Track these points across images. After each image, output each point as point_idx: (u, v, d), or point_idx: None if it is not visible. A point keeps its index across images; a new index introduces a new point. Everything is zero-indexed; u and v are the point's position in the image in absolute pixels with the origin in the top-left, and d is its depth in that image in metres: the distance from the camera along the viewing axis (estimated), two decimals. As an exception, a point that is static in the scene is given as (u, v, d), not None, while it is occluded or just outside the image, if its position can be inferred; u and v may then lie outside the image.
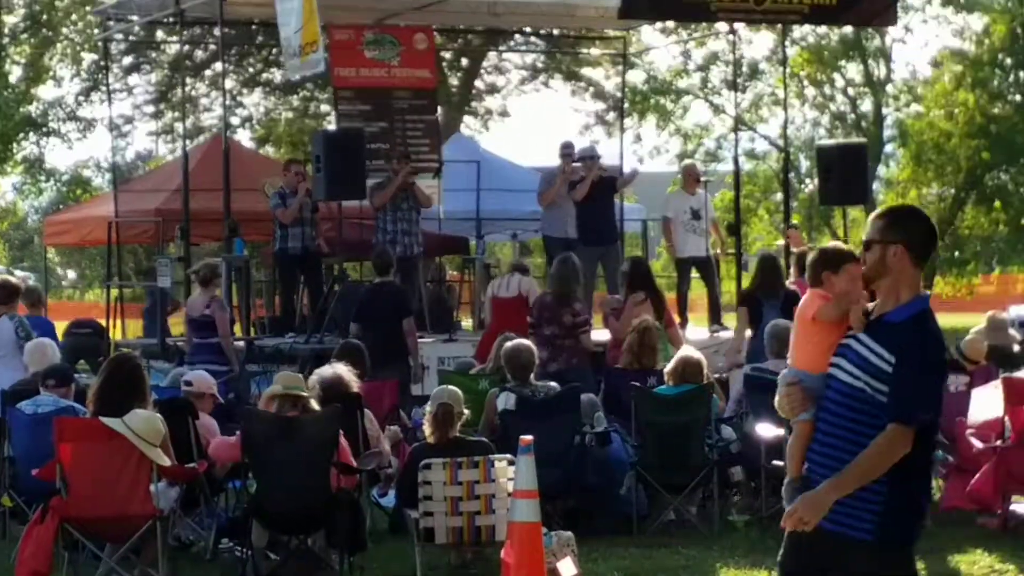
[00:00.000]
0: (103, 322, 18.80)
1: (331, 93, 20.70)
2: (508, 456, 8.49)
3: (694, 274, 16.36)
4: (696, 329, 16.19)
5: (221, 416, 10.55)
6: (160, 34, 30.37)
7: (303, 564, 8.93)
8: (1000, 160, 34.11)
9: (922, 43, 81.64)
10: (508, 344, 10.73)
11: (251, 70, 36.00)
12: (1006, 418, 9.89)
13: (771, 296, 12.63)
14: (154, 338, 16.56)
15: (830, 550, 4.81)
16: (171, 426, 8.64)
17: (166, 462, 8.36)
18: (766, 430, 9.95)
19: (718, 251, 17.33)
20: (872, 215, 4.97)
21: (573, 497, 10.05)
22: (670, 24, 32.14)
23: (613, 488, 10.16)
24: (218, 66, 29.29)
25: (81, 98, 35.42)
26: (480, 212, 17.25)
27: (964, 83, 34.23)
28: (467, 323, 19.35)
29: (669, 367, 10.53)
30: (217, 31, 18.15)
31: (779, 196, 31.12)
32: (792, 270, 14.43)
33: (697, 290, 16.92)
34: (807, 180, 36.04)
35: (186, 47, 28.67)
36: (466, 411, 9.23)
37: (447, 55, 33.28)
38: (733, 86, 30.08)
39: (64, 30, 34.66)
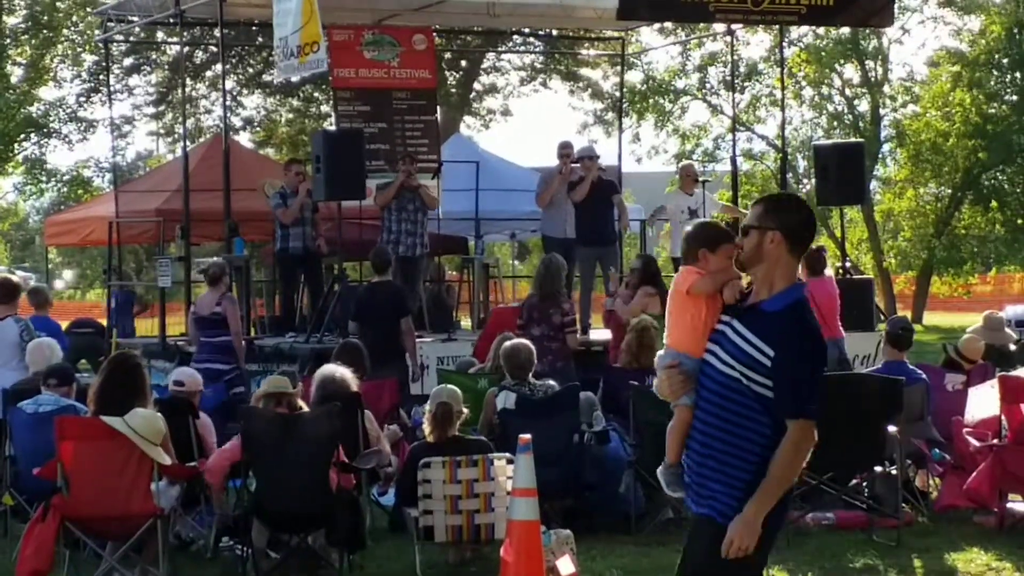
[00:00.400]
0: (103, 321, 18.84)
1: (331, 94, 20.75)
2: (507, 455, 8.53)
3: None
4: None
5: (224, 414, 10.61)
6: (160, 35, 30.40)
7: (303, 562, 8.96)
8: (997, 160, 34.18)
9: (919, 44, 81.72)
10: (507, 343, 10.76)
11: (251, 71, 36.04)
12: (1002, 417, 9.91)
13: None
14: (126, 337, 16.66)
15: (702, 532, 4.85)
16: (171, 425, 8.68)
17: (167, 461, 8.39)
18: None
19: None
20: (753, 202, 4.96)
21: (572, 496, 10.07)
22: (668, 25, 32.21)
23: (611, 487, 10.19)
24: (218, 67, 29.33)
25: (82, 99, 35.48)
26: (479, 212, 17.30)
27: (961, 83, 34.28)
28: (466, 323, 19.38)
29: (668, 366, 10.55)
30: (217, 32, 18.17)
31: (777, 196, 31.20)
32: (801, 271, 14.49)
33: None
34: (804, 180, 36.09)
35: (186, 48, 28.72)
36: (465, 410, 9.27)
37: (446, 56, 33.33)
38: (731, 87, 30.18)
39: (65, 31, 34.70)
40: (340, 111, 17.58)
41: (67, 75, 35.73)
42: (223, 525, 9.24)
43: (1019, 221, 34.51)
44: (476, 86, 37.81)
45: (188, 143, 18.96)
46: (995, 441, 9.92)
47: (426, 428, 9.18)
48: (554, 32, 29.81)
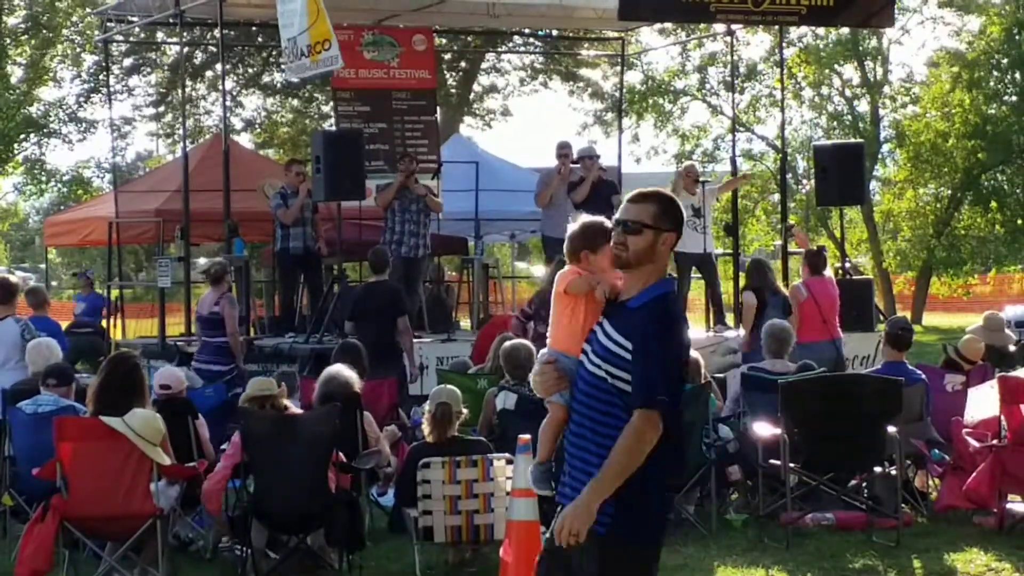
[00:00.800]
0: (103, 322, 18.85)
1: (331, 94, 20.75)
2: (506, 455, 8.52)
3: (694, 274, 16.42)
4: (694, 329, 16.21)
5: (224, 414, 10.60)
6: (160, 35, 30.40)
7: (302, 563, 8.97)
8: (996, 160, 34.17)
9: (919, 44, 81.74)
10: (507, 344, 10.76)
11: (251, 71, 36.04)
12: (1002, 417, 9.91)
13: (775, 295, 13.22)
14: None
15: (578, 544, 4.67)
16: (171, 426, 8.68)
17: (166, 461, 8.39)
18: (763, 430, 10.00)
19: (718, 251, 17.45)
20: (634, 198, 4.82)
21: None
22: (668, 25, 32.22)
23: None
24: (218, 67, 29.32)
25: (82, 99, 35.48)
26: (479, 212, 17.30)
27: (960, 84, 34.28)
28: (465, 323, 19.39)
29: (667, 367, 10.55)
30: (217, 32, 18.17)
31: (776, 197, 31.22)
32: (802, 270, 14.54)
33: (694, 290, 16.97)
34: (804, 180, 36.09)
35: (186, 48, 28.72)
36: (464, 410, 9.27)
37: (446, 56, 33.34)
38: (731, 87, 30.19)
39: (65, 31, 34.71)
40: (340, 111, 17.59)
41: (67, 75, 35.78)
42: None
43: (1019, 221, 34.50)
44: (476, 87, 37.83)
45: (188, 143, 18.96)
46: (995, 442, 9.91)
47: (425, 428, 9.18)
48: (554, 32, 29.81)
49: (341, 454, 8.88)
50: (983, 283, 39.75)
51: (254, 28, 28.40)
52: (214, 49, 30.16)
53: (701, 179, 16.34)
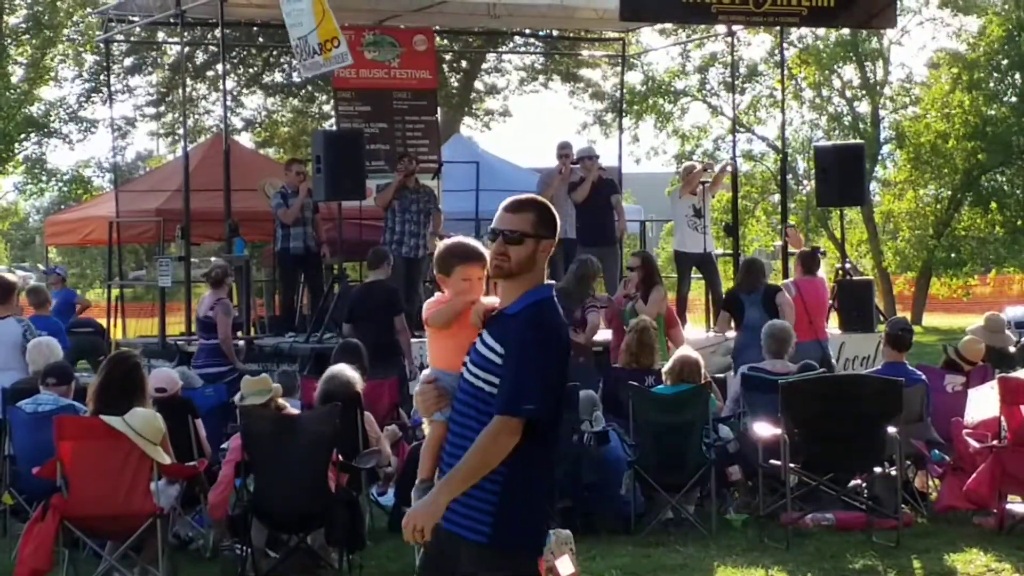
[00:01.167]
0: (103, 321, 18.84)
1: (331, 94, 20.76)
2: (507, 455, 8.51)
3: (695, 274, 16.43)
4: (694, 329, 16.24)
5: (222, 416, 10.60)
6: (161, 35, 30.40)
7: (302, 562, 8.97)
8: (996, 161, 34.18)
9: (919, 45, 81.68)
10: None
11: (252, 71, 36.04)
12: (1002, 418, 9.92)
13: (751, 292, 13.27)
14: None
15: (452, 551, 4.64)
16: (170, 425, 8.68)
17: (166, 460, 8.40)
18: (763, 430, 10.01)
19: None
20: (510, 207, 4.76)
21: (571, 496, 10.08)
22: (668, 26, 32.22)
23: (611, 487, 10.20)
24: (219, 67, 29.31)
25: (82, 99, 35.48)
26: (479, 213, 17.28)
27: (960, 85, 34.28)
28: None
29: (667, 367, 10.58)
30: (218, 32, 18.17)
31: (776, 197, 31.21)
32: (794, 270, 14.57)
33: (694, 290, 16.98)
34: (804, 181, 36.10)
35: (187, 48, 28.70)
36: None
37: (447, 56, 33.33)
38: (731, 88, 30.18)
39: (65, 31, 34.70)
40: (340, 111, 17.59)
41: (68, 75, 35.78)
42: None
43: (1018, 223, 34.50)
44: (477, 86, 37.82)
45: (188, 143, 18.95)
46: (995, 442, 9.92)
47: (426, 429, 9.16)
48: (554, 33, 29.81)
49: (339, 454, 8.88)
50: (983, 284, 39.75)
51: (255, 28, 28.37)
52: (215, 49, 30.14)
53: (702, 180, 16.35)
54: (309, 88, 34.90)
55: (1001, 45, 34.22)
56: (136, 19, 18.87)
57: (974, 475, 9.87)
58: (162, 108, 37.15)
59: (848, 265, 18.01)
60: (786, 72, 30.17)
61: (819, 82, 36.77)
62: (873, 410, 9.77)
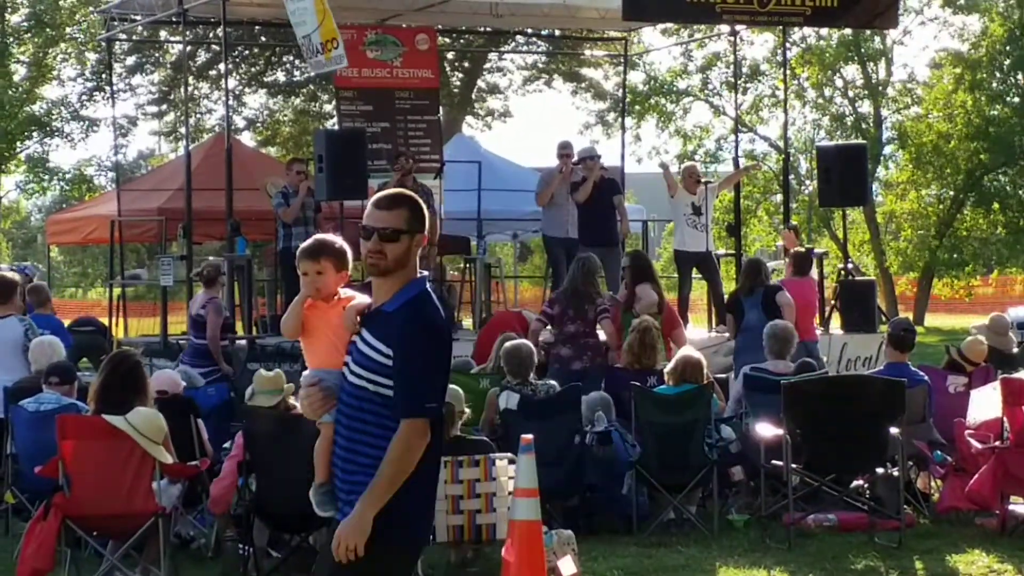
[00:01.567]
0: (105, 320, 18.85)
1: (333, 93, 20.76)
2: (509, 455, 8.53)
3: (695, 274, 16.42)
4: (695, 329, 16.23)
5: (222, 416, 10.60)
6: (163, 34, 30.43)
7: (304, 561, 8.95)
8: (999, 162, 34.17)
9: (921, 45, 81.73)
10: (508, 343, 10.76)
11: (254, 70, 36.06)
12: (1004, 419, 9.91)
13: (750, 294, 13.26)
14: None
15: None
16: (172, 425, 8.67)
17: (168, 459, 8.39)
18: (765, 430, 10.00)
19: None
20: (383, 204, 4.74)
21: (573, 496, 10.08)
22: (671, 25, 32.22)
23: (613, 487, 10.20)
24: (221, 66, 29.33)
25: (85, 98, 35.49)
26: (481, 212, 17.28)
27: (963, 85, 34.27)
28: (468, 322, 19.38)
29: (669, 367, 10.57)
30: (220, 31, 18.18)
31: (778, 197, 31.19)
32: (786, 270, 14.58)
33: (696, 291, 16.97)
34: (807, 181, 36.08)
35: (189, 47, 28.71)
36: (467, 410, 9.26)
37: (449, 55, 33.34)
38: (733, 87, 30.16)
39: (68, 29, 34.71)
40: (342, 110, 17.60)
41: (70, 74, 35.79)
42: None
43: (1021, 223, 34.49)
44: (479, 85, 37.83)
45: (190, 142, 18.96)
46: (997, 443, 9.90)
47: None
48: (556, 32, 29.81)
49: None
50: (985, 284, 39.74)
51: (257, 27, 28.38)
52: (217, 48, 30.17)
53: (703, 180, 16.35)
54: (311, 87, 34.92)
55: (1003, 45, 34.21)
56: (138, 18, 18.87)
57: (976, 476, 9.86)
58: (164, 107, 37.21)
59: (850, 265, 18.01)
60: (788, 72, 30.16)
61: (821, 82, 36.76)
62: (875, 411, 9.76)
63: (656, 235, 22.33)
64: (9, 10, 34.61)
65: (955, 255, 34.93)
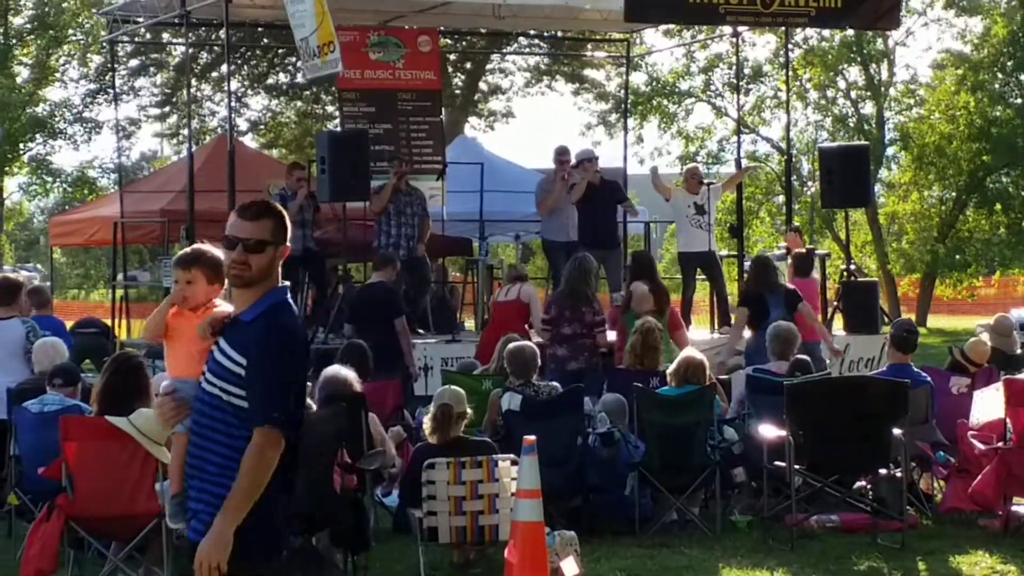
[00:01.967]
0: (108, 322, 18.86)
1: (336, 95, 20.75)
2: (511, 456, 8.53)
3: (699, 276, 16.41)
4: (698, 330, 16.23)
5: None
6: (166, 36, 30.43)
7: (307, 563, 8.96)
8: (1001, 163, 34.15)
9: (924, 46, 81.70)
10: (511, 344, 10.77)
11: (256, 72, 36.07)
12: (1007, 420, 9.91)
13: (773, 293, 12.87)
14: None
15: None
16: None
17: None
18: (768, 431, 10.00)
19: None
20: (247, 215, 4.73)
21: (576, 497, 10.08)
22: (673, 26, 32.20)
23: (616, 488, 10.20)
24: (224, 68, 29.34)
25: (88, 100, 35.52)
26: (483, 214, 17.28)
27: (965, 86, 34.26)
28: (470, 324, 19.39)
29: (672, 368, 10.57)
30: (223, 33, 18.18)
31: (781, 199, 31.22)
32: (787, 272, 14.56)
33: (697, 292, 16.96)
34: (809, 183, 36.07)
35: (192, 49, 28.72)
36: (469, 411, 9.26)
37: (451, 57, 33.34)
38: (736, 88, 30.18)
39: (71, 32, 34.74)
40: (345, 112, 17.60)
41: (73, 76, 35.83)
42: None
43: (1023, 224, 34.47)
44: (482, 86, 37.83)
45: (193, 144, 18.96)
46: (1000, 444, 9.91)
47: (427, 429, 9.18)
48: (559, 34, 29.80)
49: (347, 454, 8.88)
50: (987, 286, 39.70)
51: (260, 29, 28.36)
52: (220, 50, 30.18)
53: (706, 181, 16.35)
54: (314, 89, 34.92)
55: (1006, 46, 34.19)
56: (141, 20, 18.88)
57: (979, 477, 9.86)
58: (167, 109, 37.19)
59: (853, 267, 18.01)
60: (791, 73, 30.14)
61: (824, 83, 36.75)
62: (878, 412, 9.76)
63: (658, 236, 22.32)
64: (12, 12, 34.63)
65: (957, 256, 34.91)
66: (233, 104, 24.81)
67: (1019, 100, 34.61)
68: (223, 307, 4.82)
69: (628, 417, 10.48)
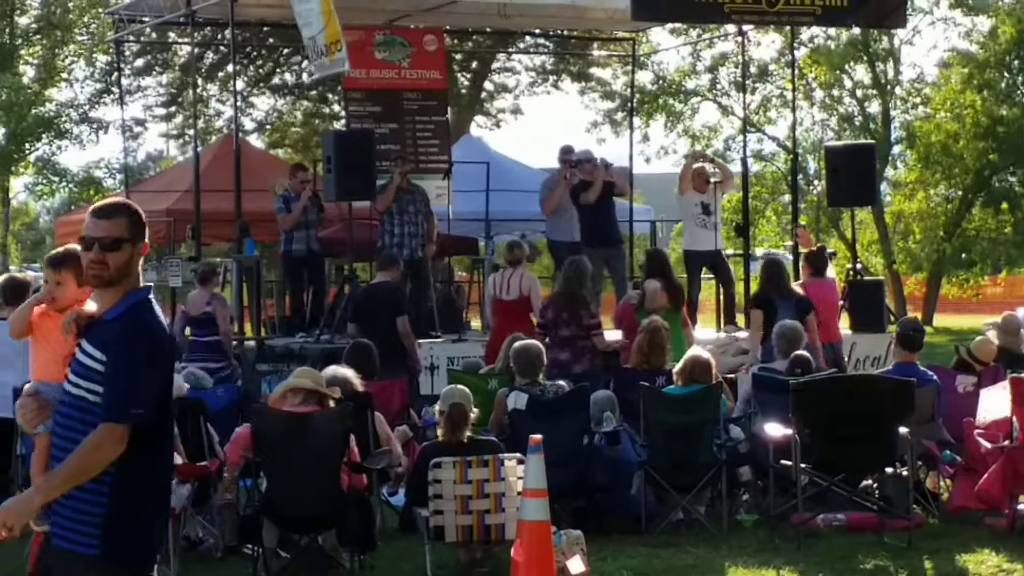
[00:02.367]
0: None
1: (342, 94, 20.78)
2: (518, 455, 8.53)
3: (705, 274, 16.39)
4: (704, 329, 16.21)
5: (231, 417, 10.60)
6: (172, 36, 30.45)
7: (314, 562, 8.97)
8: (1007, 162, 34.10)
9: (930, 45, 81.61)
10: (517, 344, 10.77)
11: (262, 71, 36.08)
12: (1014, 418, 9.89)
13: (784, 297, 12.79)
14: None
15: (63, 567, 4.57)
16: (183, 425, 8.68)
17: (177, 460, 8.40)
18: (774, 430, 9.99)
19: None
20: (101, 213, 4.70)
21: (582, 496, 10.08)
22: (679, 25, 32.20)
23: (622, 487, 10.19)
24: (229, 67, 29.36)
25: (94, 100, 35.53)
26: (489, 213, 17.30)
27: (971, 85, 34.21)
28: (476, 323, 19.39)
29: (678, 367, 10.57)
30: (228, 32, 18.20)
31: (787, 197, 31.19)
32: (803, 271, 14.51)
33: (703, 291, 16.94)
34: (815, 181, 36.03)
35: (197, 49, 28.74)
36: (475, 410, 9.27)
37: (457, 56, 33.34)
38: (742, 87, 30.16)
39: (76, 32, 34.76)
40: (351, 112, 17.62)
41: (79, 76, 35.83)
42: (232, 521, 9.23)
43: (1030, 223, 34.43)
44: (487, 86, 37.82)
45: (199, 144, 18.98)
46: (1006, 443, 9.89)
47: (439, 429, 9.18)
48: (565, 33, 29.80)
49: (356, 452, 8.88)
50: (994, 284, 39.66)
51: (266, 28, 28.40)
52: (225, 49, 30.19)
53: (713, 180, 16.34)
54: (320, 89, 34.93)
55: (1012, 45, 34.13)
56: (147, 19, 18.90)
57: (986, 475, 9.85)
58: (173, 109, 37.20)
59: (859, 265, 17.99)
60: (797, 72, 30.11)
61: (830, 82, 36.71)
62: (884, 410, 9.75)
63: (664, 235, 22.33)
64: (18, 12, 34.65)
65: (964, 255, 34.86)
66: (239, 104, 24.80)
67: (1026, 99, 34.55)
68: (89, 306, 4.77)
69: (618, 412, 10.48)
